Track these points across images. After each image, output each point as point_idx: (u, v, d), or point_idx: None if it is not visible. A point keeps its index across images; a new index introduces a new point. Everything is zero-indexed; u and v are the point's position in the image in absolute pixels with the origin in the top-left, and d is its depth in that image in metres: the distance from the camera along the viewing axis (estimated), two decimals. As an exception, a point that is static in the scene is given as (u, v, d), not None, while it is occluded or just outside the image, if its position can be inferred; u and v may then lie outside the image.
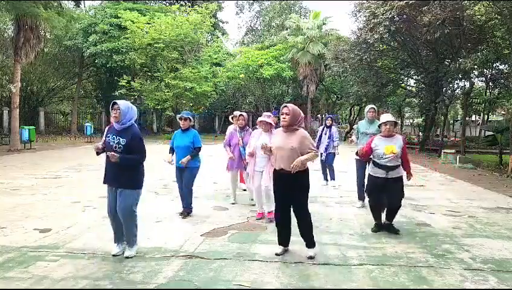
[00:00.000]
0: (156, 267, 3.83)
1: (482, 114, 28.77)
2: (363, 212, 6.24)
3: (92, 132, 23.98)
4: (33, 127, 18.80)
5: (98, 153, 4.17)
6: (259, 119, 5.61)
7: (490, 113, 29.61)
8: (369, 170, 5.23)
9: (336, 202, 7.02)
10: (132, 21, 23.48)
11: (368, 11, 15.84)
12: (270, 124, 5.55)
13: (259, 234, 4.95)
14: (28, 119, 26.13)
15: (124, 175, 4.02)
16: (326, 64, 24.24)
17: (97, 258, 4.03)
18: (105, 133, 4.21)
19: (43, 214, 5.81)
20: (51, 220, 5.50)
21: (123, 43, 24.23)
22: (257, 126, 5.93)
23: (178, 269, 3.79)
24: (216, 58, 27.42)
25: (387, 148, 4.88)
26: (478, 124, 30.44)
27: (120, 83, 23.96)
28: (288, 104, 4.17)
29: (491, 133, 17.90)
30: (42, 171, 10.58)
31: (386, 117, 5.06)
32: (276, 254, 4.16)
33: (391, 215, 5.12)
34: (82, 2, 31.10)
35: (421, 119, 27.06)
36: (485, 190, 8.61)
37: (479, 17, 14.15)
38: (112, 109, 4.02)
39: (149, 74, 25.47)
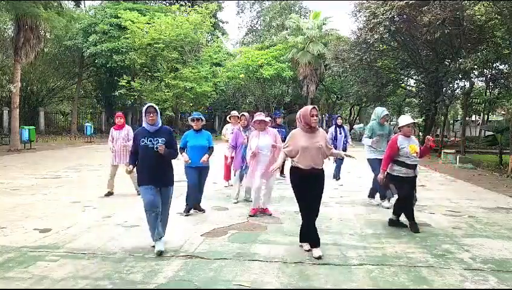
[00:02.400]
0: (156, 267, 3.83)
1: (482, 114, 28.76)
2: (363, 212, 6.25)
3: (92, 131, 24.00)
4: (33, 127, 18.82)
5: (131, 172, 4.47)
6: (255, 120, 5.86)
7: (490, 113, 29.59)
8: (395, 170, 5.23)
9: (336, 202, 7.02)
10: (132, 21, 23.49)
11: (368, 11, 15.83)
12: (266, 122, 5.86)
13: (259, 234, 4.95)
14: (28, 119, 26.12)
15: (166, 174, 4.33)
16: (326, 64, 24.24)
17: (97, 258, 4.03)
18: (134, 139, 4.37)
19: (43, 214, 5.81)
20: (51, 220, 5.50)
21: (123, 43, 24.24)
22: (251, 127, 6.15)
23: (178, 269, 3.79)
24: (216, 58, 27.45)
25: (412, 147, 5.10)
26: (478, 124, 30.43)
27: (120, 83, 23.96)
28: (315, 106, 4.40)
29: (491, 133, 17.89)
30: (42, 171, 10.58)
31: (408, 119, 5.28)
32: (309, 250, 4.21)
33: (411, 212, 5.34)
34: (82, 2, 31.13)
35: (421, 119, 27.07)
36: (485, 190, 8.61)
37: (479, 17, 14.13)
38: (147, 113, 4.24)
39: (149, 74, 25.49)
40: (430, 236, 4.96)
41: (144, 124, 4.31)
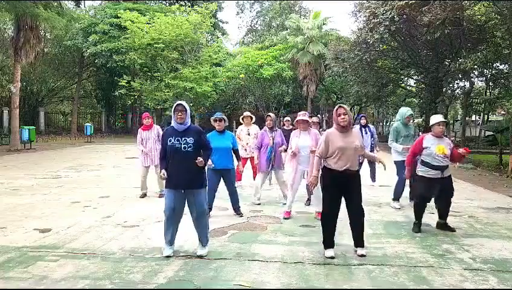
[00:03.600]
0: (156, 267, 3.83)
1: (482, 114, 28.75)
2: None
3: (92, 132, 24.01)
4: (33, 127, 18.84)
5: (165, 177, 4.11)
6: (298, 119, 5.69)
7: (490, 113, 29.59)
8: (419, 171, 5.14)
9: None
10: (132, 21, 23.48)
11: (368, 11, 15.83)
12: (308, 121, 5.70)
13: (259, 234, 4.95)
14: (28, 119, 26.17)
15: (195, 176, 4.08)
16: (326, 64, 24.24)
17: (97, 258, 4.03)
18: (163, 139, 4.18)
19: (43, 214, 5.81)
20: (50, 220, 5.51)
21: (123, 43, 24.23)
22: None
23: (178, 269, 3.79)
24: (216, 58, 27.43)
25: (439, 148, 4.94)
26: (478, 124, 30.42)
27: (120, 83, 23.97)
28: (342, 105, 4.24)
29: (491, 133, 17.87)
30: (42, 171, 10.58)
31: (439, 118, 5.10)
32: (332, 257, 4.07)
33: (446, 213, 5.21)
34: (82, 2, 31.16)
35: (421, 119, 27.08)
36: (485, 190, 8.60)
37: (479, 17, 14.13)
38: (176, 111, 4.06)
39: (149, 74, 25.48)
40: (430, 236, 4.96)
41: (173, 123, 4.13)
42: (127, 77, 24.13)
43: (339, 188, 4.15)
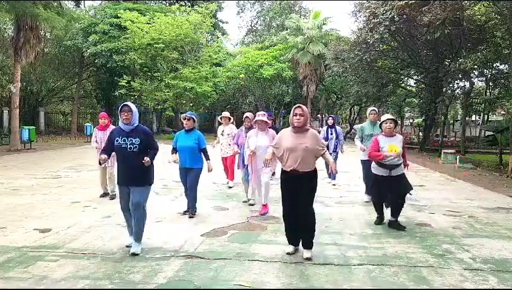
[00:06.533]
0: (156, 267, 3.83)
1: (482, 114, 28.74)
2: (363, 212, 6.24)
3: (92, 132, 24.01)
4: (33, 127, 18.82)
5: (100, 163, 4.44)
6: (256, 119, 5.79)
7: (490, 113, 29.58)
8: (372, 169, 5.41)
9: (336, 202, 7.02)
10: (132, 21, 23.50)
11: (368, 11, 15.85)
12: (266, 122, 5.75)
13: (259, 234, 4.95)
14: (28, 119, 26.15)
15: (140, 174, 4.18)
16: (326, 64, 24.26)
17: (97, 258, 4.03)
18: (110, 138, 4.30)
19: (43, 214, 5.81)
20: (50, 220, 5.50)
21: (123, 43, 24.24)
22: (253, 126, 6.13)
23: (178, 269, 3.79)
24: (216, 58, 27.45)
25: (391, 147, 5.06)
26: (478, 124, 30.41)
27: (120, 83, 23.97)
28: (301, 105, 4.20)
29: (491, 133, 17.88)
30: (42, 171, 10.58)
31: (386, 116, 5.31)
32: (288, 253, 4.14)
33: (396, 212, 5.27)
34: (82, 2, 31.15)
35: (421, 119, 27.07)
36: (485, 190, 8.61)
37: (479, 17, 14.14)
38: (121, 112, 4.15)
39: (149, 74, 25.49)
40: (430, 236, 4.96)
41: (120, 124, 4.23)
42: (127, 77, 24.13)
43: (289, 189, 4.13)
